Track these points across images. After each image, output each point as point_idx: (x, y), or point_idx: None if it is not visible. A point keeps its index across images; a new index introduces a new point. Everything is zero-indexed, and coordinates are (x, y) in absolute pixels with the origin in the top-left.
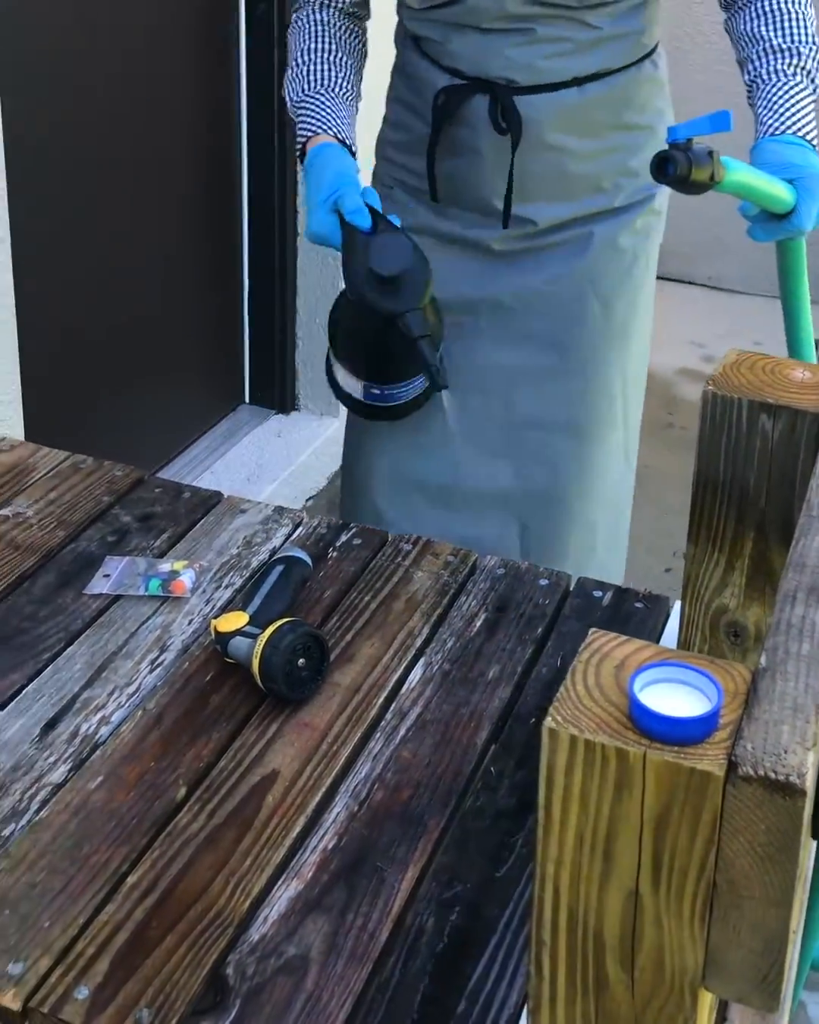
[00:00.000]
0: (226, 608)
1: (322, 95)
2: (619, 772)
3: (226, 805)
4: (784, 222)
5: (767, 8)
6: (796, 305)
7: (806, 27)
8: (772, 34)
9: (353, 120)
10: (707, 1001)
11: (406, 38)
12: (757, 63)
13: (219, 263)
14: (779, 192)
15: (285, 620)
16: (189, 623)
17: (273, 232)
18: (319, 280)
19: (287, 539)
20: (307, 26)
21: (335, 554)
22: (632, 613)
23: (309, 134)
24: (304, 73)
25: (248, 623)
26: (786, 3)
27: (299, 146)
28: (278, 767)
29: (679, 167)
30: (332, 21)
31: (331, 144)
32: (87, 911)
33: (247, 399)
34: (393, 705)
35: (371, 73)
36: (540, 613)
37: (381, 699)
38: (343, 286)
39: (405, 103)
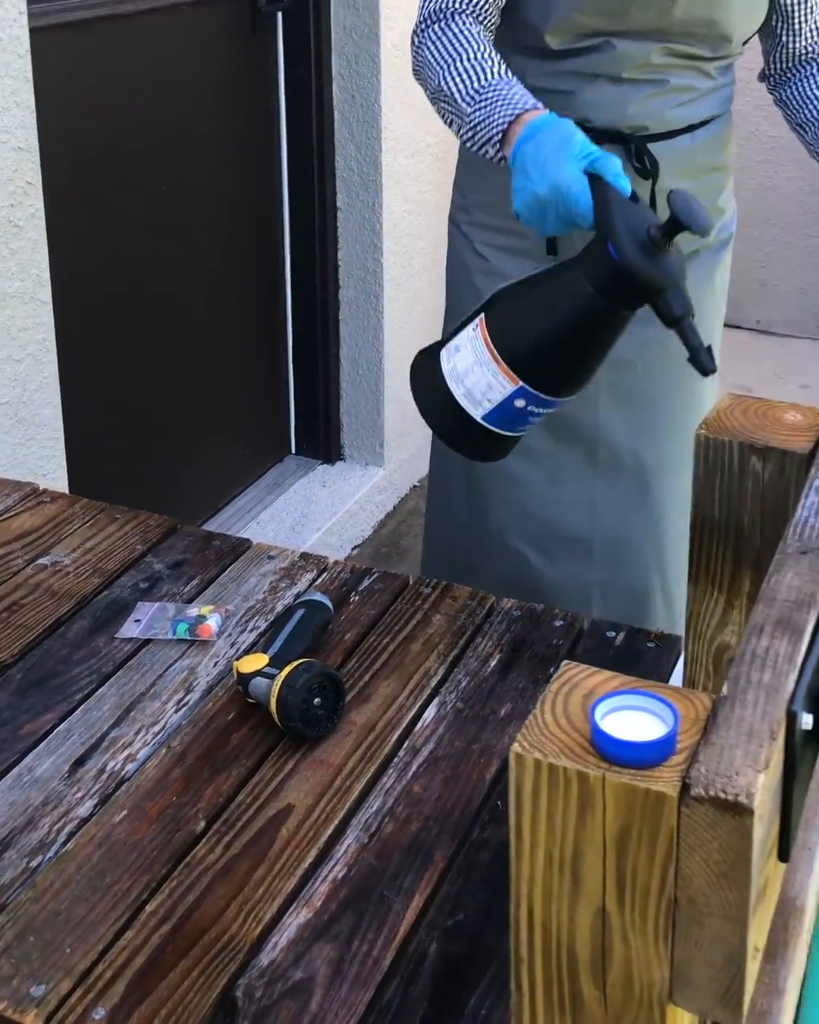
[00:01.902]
0: (249, 651)
1: (503, 81)
2: (581, 794)
3: (242, 837)
4: None
5: None
6: None
7: None
8: None
9: None
10: (684, 1020)
11: None
12: None
13: (263, 318)
14: None
15: (302, 661)
16: (214, 665)
17: (315, 285)
18: (362, 331)
19: (312, 584)
20: (451, 33)
21: (357, 598)
22: (643, 652)
23: (517, 112)
24: (469, 69)
25: (268, 664)
26: None
27: (501, 129)
28: (293, 801)
29: None
30: (477, 30)
31: (552, 114)
32: (107, 937)
33: (293, 450)
34: (406, 742)
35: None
36: (554, 653)
37: (395, 736)
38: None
39: None
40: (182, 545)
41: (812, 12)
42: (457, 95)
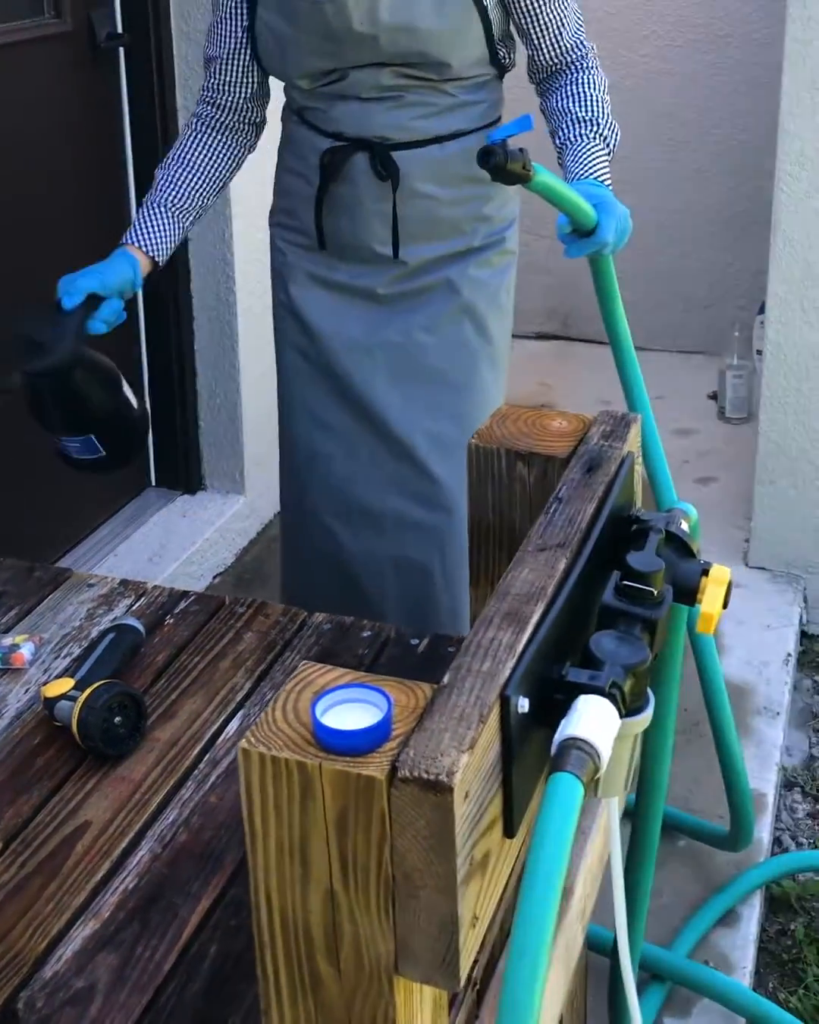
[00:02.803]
0: (61, 677)
1: (160, 210)
2: (302, 783)
3: (38, 856)
4: (591, 238)
5: (574, 91)
6: (613, 318)
7: (602, 106)
8: (578, 109)
9: (175, 234)
10: (413, 989)
11: (292, 114)
12: (567, 131)
13: (117, 353)
14: (582, 203)
15: (104, 682)
16: (25, 692)
17: (168, 317)
18: (218, 361)
19: (129, 609)
20: (189, 140)
21: (171, 621)
22: (444, 657)
23: (125, 242)
24: (163, 183)
25: (73, 688)
26: (587, 87)
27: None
28: (91, 818)
29: (496, 158)
30: (212, 142)
31: (127, 253)
32: None
33: (153, 482)
34: (208, 755)
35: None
36: (358, 662)
37: (197, 750)
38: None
39: (292, 170)
40: (3, 577)
41: (546, 29)
42: (153, 185)
